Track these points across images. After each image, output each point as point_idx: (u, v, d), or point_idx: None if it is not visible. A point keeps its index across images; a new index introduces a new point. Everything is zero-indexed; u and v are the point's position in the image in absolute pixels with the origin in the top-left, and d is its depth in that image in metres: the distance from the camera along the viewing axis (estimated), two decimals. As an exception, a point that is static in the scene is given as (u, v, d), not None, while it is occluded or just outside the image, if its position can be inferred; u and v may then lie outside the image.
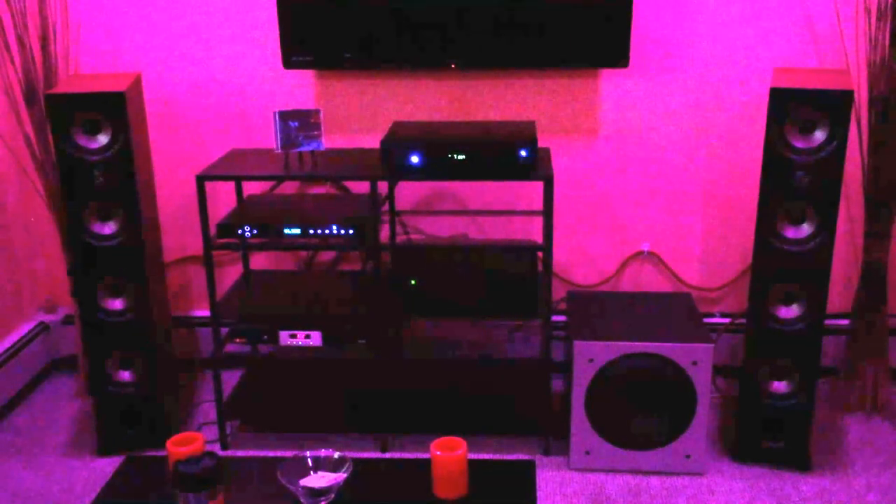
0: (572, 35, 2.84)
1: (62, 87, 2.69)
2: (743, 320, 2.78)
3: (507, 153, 2.58)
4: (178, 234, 3.19)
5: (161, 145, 3.08)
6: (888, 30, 2.66)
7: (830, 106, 2.39)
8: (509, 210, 3.12)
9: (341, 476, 1.82)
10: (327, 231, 2.64)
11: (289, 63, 2.91)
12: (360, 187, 3.05)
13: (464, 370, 3.12)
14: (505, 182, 3.05)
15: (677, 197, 3.10)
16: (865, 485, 2.60)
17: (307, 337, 2.72)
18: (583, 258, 3.19)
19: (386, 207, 2.93)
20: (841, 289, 3.08)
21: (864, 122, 2.81)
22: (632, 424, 2.63)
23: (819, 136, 2.41)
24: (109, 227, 2.63)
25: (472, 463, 1.92)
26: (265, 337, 2.74)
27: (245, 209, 2.85)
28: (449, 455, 1.89)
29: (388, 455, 2.77)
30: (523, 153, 2.57)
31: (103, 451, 2.80)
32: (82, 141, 2.55)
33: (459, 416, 2.89)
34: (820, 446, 2.77)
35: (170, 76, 3.07)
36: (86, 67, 3.04)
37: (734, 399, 2.85)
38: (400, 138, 2.65)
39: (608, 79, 3.00)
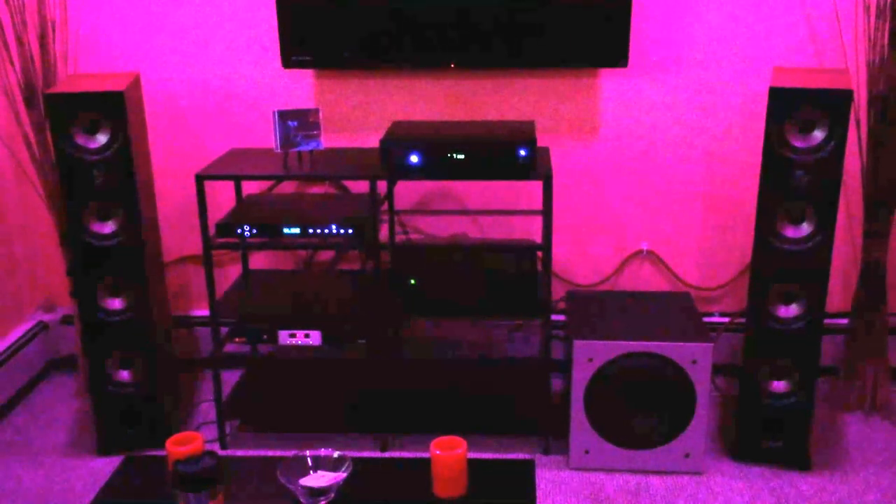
0: (572, 35, 2.84)
1: (61, 86, 2.69)
2: (742, 319, 2.78)
3: (507, 153, 2.58)
4: (178, 234, 3.19)
5: (160, 145, 3.08)
6: (887, 29, 2.66)
7: (830, 105, 2.39)
8: (509, 210, 3.12)
9: (341, 475, 1.82)
10: (327, 231, 2.64)
11: (288, 62, 2.90)
12: (360, 187, 3.05)
13: (463, 370, 3.12)
14: (504, 181, 3.05)
15: (676, 196, 3.10)
16: (865, 484, 2.60)
17: (307, 336, 2.72)
18: (582, 257, 3.19)
19: (385, 207, 2.93)
20: (840, 288, 3.09)
21: (864, 121, 2.81)
22: (631, 424, 2.63)
23: (818, 135, 2.41)
24: (109, 227, 2.63)
25: (471, 462, 1.92)
26: (265, 336, 2.74)
27: (244, 209, 2.85)
28: (449, 454, 1.89)
29: (387, 454, 2.77)
30: (523, 153, 2.57)
31: (103, 450, 2.80)
32: (81, 140, 2.55)
33: (459, 415, 2.89)
34: (819, 446, 2.77)
35: (169, 75, 3.07)
36: (85, 67, 3.04)
37: (734, 398, 2.85)
38: (399, 138, 2.65)
39: (607, 78, 3.00)
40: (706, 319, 3.05)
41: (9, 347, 3.14)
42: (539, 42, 2.85)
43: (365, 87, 3.05)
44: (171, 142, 3.12)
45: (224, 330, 2.84)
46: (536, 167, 2.60)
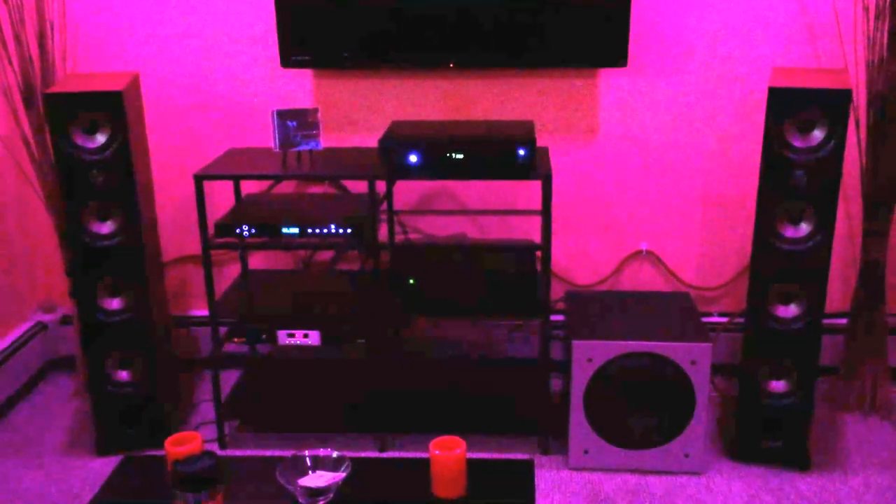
0: (571, 34, 2.84)
1: (60, 86, 2.68)
2: (741, 319, 2.78)
3: (506, 152, 2.58)
4: (177, 234, 3.18)
5: (159, 144, 3.07)
6: (886, 29, 2.66)
7: (829, 105, 2.39)
8: (508, 209, 3.12)
9: (340, 475, 1.82)
10: (326, 230, 2.64)
11: (287, 62, 2.90)
12: (359, 186, 3.05)
13: (462, 370, 3.12)
14: (503, 181, 3.05)
15: (676, 196, 3.10)
16: (864, 484, 2.60)
17: (305, 336, 2.72)
18: (581, 257, 3.19)
19: (384, 207, 2.93)
20: (839, 288, 3.09)
21: (863, 121, 2.81)
22: (630, 424, 2.63)
23: (817, 135, 2.41)
24: (108, 227, 2.63)
25: (470, 462, 1.92)
26: (264, 336, 2.74)
27: (243, 208, 2.85)
28: (448, 454, 1.89)
29: (386, 454, 2.77)
30: (522, 152, 2.57)
31: (102, 450, 2.80)
32: (80, 140, 2.55)
33: (458, 415, 2.89)
34: (819, 446, 2.77)
35: (168, 75, 3.07)
36: (84, 67, 3.04)
37: (733, 398, 2.85)
38: (398, 137, 2.65)
39: (607, 78, 3.00)
40: (705, 319, 3.05)
41: (8, 347, 3.14)
42: (538, 42, 2.85)
43: (364, 86, 3.05)
44: (170, 141, 3.12)
45: (223, 330, 2.84)
46: (536, 167, 2.60)
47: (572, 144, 3.06)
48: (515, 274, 2.74)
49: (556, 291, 3.05)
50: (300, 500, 1.80)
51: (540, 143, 2.83)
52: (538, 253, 2.77)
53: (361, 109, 3.07)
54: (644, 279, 3.19)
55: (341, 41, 2.89)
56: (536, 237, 3.03)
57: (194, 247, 3.01)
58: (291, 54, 2.90)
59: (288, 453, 1.89)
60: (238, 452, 2.80)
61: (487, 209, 3.14)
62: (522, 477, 2.01)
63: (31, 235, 3.24)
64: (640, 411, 2.62)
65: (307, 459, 1.86)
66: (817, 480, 2.62)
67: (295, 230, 2.65)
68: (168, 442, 1.91)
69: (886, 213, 2.81)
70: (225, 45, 3.03)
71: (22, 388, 3.18)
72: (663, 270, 3.18)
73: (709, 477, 2.64)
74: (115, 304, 2.69)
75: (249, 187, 3.07)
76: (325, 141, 2.88)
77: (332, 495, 1.80)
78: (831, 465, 2.69)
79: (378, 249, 2.72)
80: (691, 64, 2.96)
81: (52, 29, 2.85)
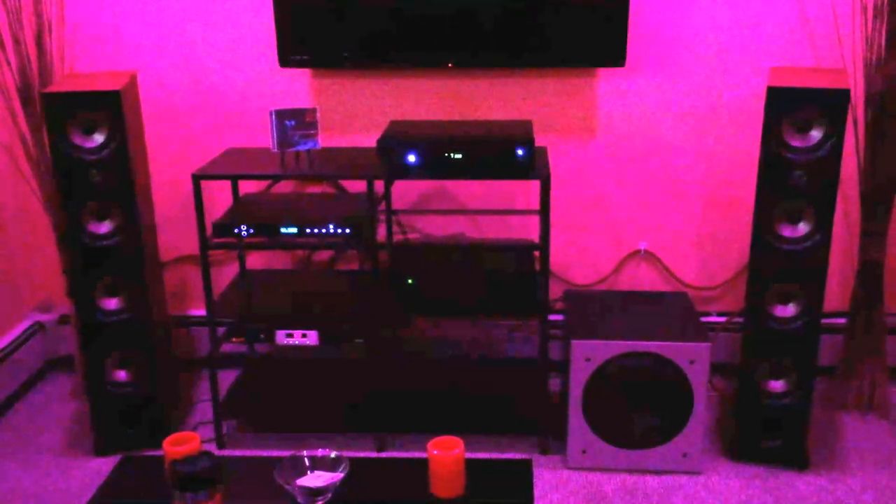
0: (570, 34, 2.84)
1: (58, 85, 2.68)
2: (740, 319, 2.78)
3: (505, 152, 2.58)
4: (175, 234, 3.18)
5: (157, 144, 3.07)
6: (884, 29, 2.67)
7: (827, 105, 2.39)
8: (506, 209, 3.12)
9: (338, 475, 1.82)
10: (324, 230, 2.64)
11: (286, 62, 2.90)
12: (357, 186, 3.05)
13: (461, 369, 3.12)
14: (502, 181, 3.05)
15: (674, 196, 3.10)
16: (862, 484, 2.60)
17: (304, 336, 2.72)
18: (580, 257, 3.19)
19: (383, 206, 2.92)
20: (838, 287, 3.09)
21: (861, 121, 2.81)
22: (629, 423, 2.63)
23: (816, 135, 2.41)
24: (106, 227, 2.63)
25: (469, 462, 1.92)
26: (262, 336, 2.74)
27: (241, 208, 2.84)
28: (446, 454, 1.89)
29: (385, 454, 2.77)
30: (520, 152, 2.57)
31: (100, 451, 2.80)
32: (78, 140, 2.55)
33: (457, 415, 2.88)
34: (817, 445, 2.77)
35: (166, 75, 3.07)
36: (81, 66, 3.03)
37: (731, 398, 2.85)
38: (397, 137, 2.65)
39: (605, 78, 3.00)
40: (704, 319, 3.05)
41: (6, 347, 3.14)
42: (537, 41, 2.85)
43: (362, 86, 3.05)
44: (168, 141, 3.12)
45: (221, 330, 2.84)
46: (534, 167, 2.60)
47: (571, 144, 3.06)
48: (514, 274, 2.74)
49: (555, 291, 3.05)
50: (299, 500, 1.80)
51: (539, 142, 2.83)
52: (537, 252, 2.77)
53: (359, 109, 3.07)
54: (643, 279, 3.19)
55: (340, 41, 2.89)
56: (535, 237, 3.02)
57: (193, 246, 3.01)
58: (290, 54, 2.89)
59: (286, 453, 1.89)
60: (236, 452, 2.80)
61: (486, 209, 3.13)
62: (521, 477, 2.01)
63: (29, 235, 3.24)
64: (638, 411, 2.62)
65: (305, 459, 1.86)
66: (816, 480, 2.62)
67: (293, 230, 2.65)
68: (166, 442, 1.91)
69: (885, 212, 2.81)
70: (223, 44, 3.03)
71: (20, 387, 3.18)
72: (662, 270, 3.18)
73: (707, 476, 2.64)
74: (113, 303, 2.69)
75: (248, 187, 3.07)
76: (324, 141, 2.87)
77: (330, 495, 1.80)
78: (830, 465, 2.69)
79: (377, 249, 2.72)
80: (690, 63, 2.96)
81: (49, 28, 2.85)
